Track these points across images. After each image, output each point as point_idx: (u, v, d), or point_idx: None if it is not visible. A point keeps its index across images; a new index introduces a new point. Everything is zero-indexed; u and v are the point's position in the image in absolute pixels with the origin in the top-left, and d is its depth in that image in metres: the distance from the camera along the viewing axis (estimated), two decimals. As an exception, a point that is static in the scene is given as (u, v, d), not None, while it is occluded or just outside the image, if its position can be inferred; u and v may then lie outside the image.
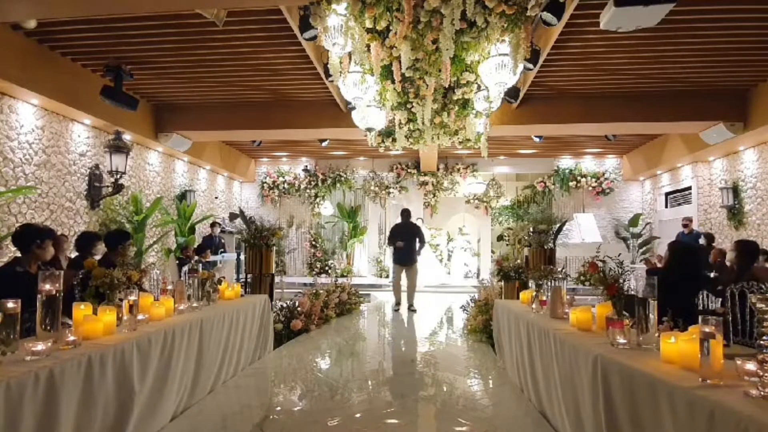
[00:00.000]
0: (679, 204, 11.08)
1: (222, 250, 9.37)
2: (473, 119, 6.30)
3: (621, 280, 3.05)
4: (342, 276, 11.15)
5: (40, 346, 2.22)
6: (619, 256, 3.50)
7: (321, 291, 7.75)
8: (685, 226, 9.34)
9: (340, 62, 4.75)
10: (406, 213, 8.91)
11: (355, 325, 7.58)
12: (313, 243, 13.16)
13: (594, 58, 6.41)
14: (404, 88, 5.56)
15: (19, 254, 3.52)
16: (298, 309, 6.59)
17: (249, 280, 6.28)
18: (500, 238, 10.66)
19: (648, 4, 4.02)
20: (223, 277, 4.87)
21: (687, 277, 3.75)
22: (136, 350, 2.79)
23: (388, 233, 9.54)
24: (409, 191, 13.17)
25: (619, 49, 6.08)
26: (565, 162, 12.79)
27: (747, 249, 4.37)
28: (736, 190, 8.99)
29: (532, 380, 3.73)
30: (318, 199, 13.24)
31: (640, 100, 7.77)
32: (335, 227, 13.66)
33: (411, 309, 8.56)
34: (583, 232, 10.66)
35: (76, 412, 2.29)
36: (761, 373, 1.72)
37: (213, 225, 9.83)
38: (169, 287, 3.97)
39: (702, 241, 8.40)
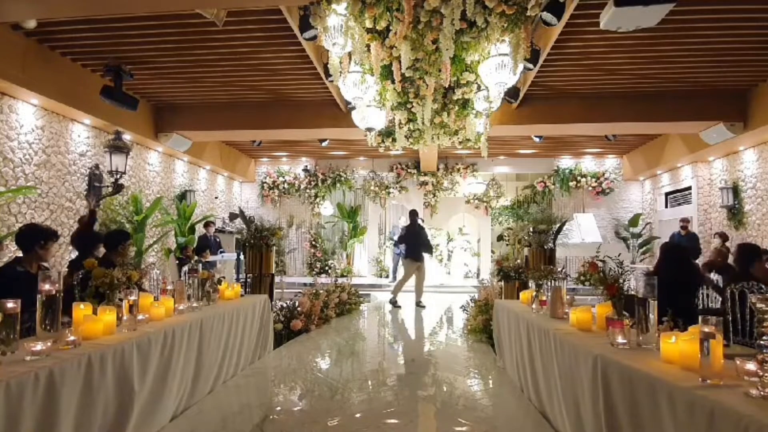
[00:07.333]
0: (679, 204, 11.07)
1: (221, 249, 9.33)
2: (473, 119, 6.30)
3: (621, 280, 3.05)
4: (342, 276, 11.15)
5: (40, 346, 2.22)
6: (619, 256, 3.50)
7: (321, 291, 7.74)
8: (683, 227, 9.15)
9: (340, 62, 4.74)
10: (414, 213, 9.42)
11: (355, 325, 7.58)
12: (313, 243, 13.15)
13: (594, 58, 6.41)
14: (404, 88, 5.56)
15: (19, 254, 3.52)
16: (298, 309, 6.59)
17: (249, 280, 6.27)
18: (500, 238, 10.67)
19: (648, 4, 4.03)
20: (223, 277, 4.87)
21: (679, 276, 3.76)
22: (136, 350, 2.79)
23: (399, 233, 10.30)
24: (409, 191, 13.17)
25: (619, 49, 6.08)
26: (565, 162, 12.79)
27: (744, 251, 4.43)
28: (736, 190, 8.99)
29: (532, 380, 3.73)
30: (318, 199, 13.23)
31: (640, 100, 7.77)
32: (335, 227, 13.66)
33: (420, 305, 8.87)
34: (583, 232, 10.66)
35: (76, 412, 2.29)
36: (761, 373, 1.73)
37: (207, 225, 9.46)
38: (169, 287, 3.96)
39: (717, 240, 8.33)
